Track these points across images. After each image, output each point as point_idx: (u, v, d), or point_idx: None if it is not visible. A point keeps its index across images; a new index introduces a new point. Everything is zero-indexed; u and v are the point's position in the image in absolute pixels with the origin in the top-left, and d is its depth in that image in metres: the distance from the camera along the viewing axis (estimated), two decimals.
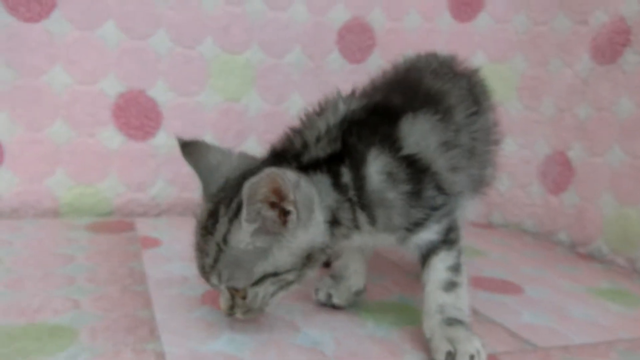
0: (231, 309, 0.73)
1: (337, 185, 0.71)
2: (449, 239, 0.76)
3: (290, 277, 0.71)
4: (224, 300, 0.74)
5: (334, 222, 0.72)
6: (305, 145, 0.73)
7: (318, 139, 0.73)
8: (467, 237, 1.30)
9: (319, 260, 0.73)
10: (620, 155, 1.26)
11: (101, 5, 1.28)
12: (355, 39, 1.49)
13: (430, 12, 1.55)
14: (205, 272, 0.72)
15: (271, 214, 0.67)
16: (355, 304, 0.88)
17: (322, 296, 0.86)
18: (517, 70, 1.55)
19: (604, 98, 1.31)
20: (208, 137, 1.39)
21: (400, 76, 0.89)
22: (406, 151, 0.73)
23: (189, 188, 1.39)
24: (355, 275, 0.87)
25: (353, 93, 0.80)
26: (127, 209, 1.36)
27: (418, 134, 0.74)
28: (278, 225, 0.68)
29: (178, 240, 1.18)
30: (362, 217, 0.73)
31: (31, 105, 1.28)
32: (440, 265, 0.75)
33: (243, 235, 0.68)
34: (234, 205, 0.69)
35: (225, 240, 0.69)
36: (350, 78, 1.41)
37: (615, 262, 1.26)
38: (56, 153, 1.31)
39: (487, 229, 1.51)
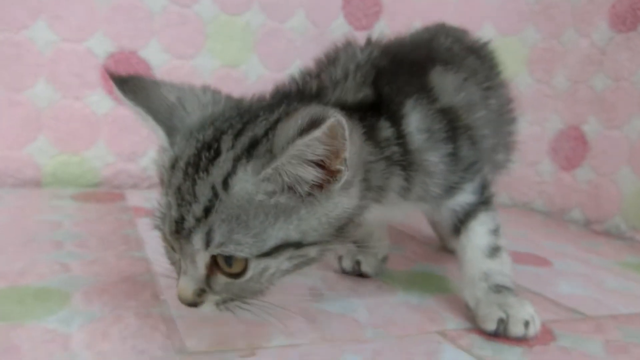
0: (199, 295, 0.51)
1: (373, 139, 0.58)
2: (485, 199, 0.69)
3: (312, 252, 0.52)
4: (188, 281, 0.50)
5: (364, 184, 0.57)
6: (323, 89, 0.61)
7: (337, 83, 0.61)
8: None
9: (349, 232, 0.55)
10: None
11: None
12: (362, 4, 1.41)
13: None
14: (183, 228, 0.49)
15: (314, 175, 0.49)
16: (380, 273, 0.79)
17: (347, 264, 0.78)
18: (528, 42, 1.48)
19: (623, 67, 1.25)
20: None
21: (414, 40, 0.80)
22: (442, 103, 0.65)
23: None
24: (379, 241, 0.79)
25: (369, 42, 0.71)
26: (117, 180, 1.25)
27: (450, 86, 0.67)
28: (316, 188, 0.50)
29: None
30: (396, 182, 0.61)
31: (11, 62, 1.16)
32: (480, 229, 0.67)
33: (254, 185, 0.48)
34: (245, 138, 0.50)
35: (225, 183, 0.48)
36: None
37: (635, 238, 1.20)
38: (38, 117, 1.19)
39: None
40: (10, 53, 1.16)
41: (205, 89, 0.59)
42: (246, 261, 0.49)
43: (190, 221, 0.48)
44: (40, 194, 1.14)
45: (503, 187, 1.49)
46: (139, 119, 0.56)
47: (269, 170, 0.47)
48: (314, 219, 0.50)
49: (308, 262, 0.53)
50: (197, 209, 0.48)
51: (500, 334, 0.61)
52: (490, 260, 0.66)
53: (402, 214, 0.71)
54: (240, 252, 0.48)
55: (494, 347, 0.59)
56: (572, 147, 1.38)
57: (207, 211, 0.48)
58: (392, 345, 0.57)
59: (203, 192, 0.48)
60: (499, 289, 0.64)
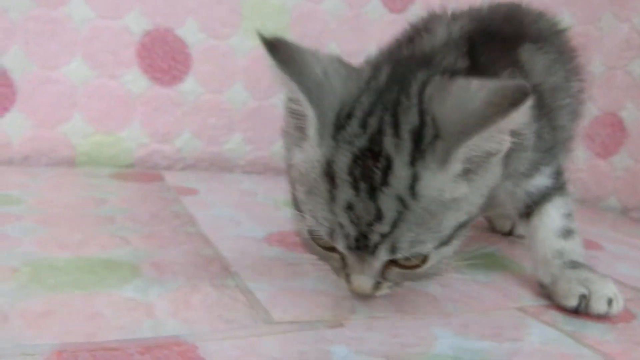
0: (375, 287, 0.52)
1: None
2: (560, 183, 0.68)
3: (469, 224, 0.51)
4: (365, 279, 0.50)
5: None
6: (430, 55, 0.58)
7: (439, 52, 0.59)
8: None
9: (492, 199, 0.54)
10: None
11: None
12: None
13: None
14: (367, 245, 0.48)
15: (499, 145, 0.46)
16: None
17: None
18: None
19: None
20: (238, 86, 1.27)
21: (499, 15, 0.78)
22: (532, 80, 0.63)
23: (216, 141, 1.27)
24: None
25: (456, 14, 0.69)
26: (151, 161, 1.23)
27: (540, 64, 0.65)
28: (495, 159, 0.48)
29: (215, 190, 1.06)
30: None
31: (47, 39, 1.14)
32: (554, 212, 0.66)
33: (442, 180, 0.46)
34: (405, 133, 0.47)
35: (412, 191, 0.46)
36: (390, 28, 1.30)
37: None
38: (73, 95, 1.17)
39: None
40: (45, 29, 1.13)
41: (337, 59, 0.53)
42: (426, 255, 0.49)
43: (375, 238, 0.47)
44: (76, 173, 1.12)
45: None
46: (283, 90, 0.50)
47: (457, 156, 0.46)
48: (478, 196, 0.50)
49: (464, 236, 0.52)
50: (385, 225, 0.46)
51: (581, 311, 0.60)
52: (564, 240, 0.65)
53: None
54: (425, 249, 0.48)
55: (577, 323, 0.58)
56: (608, 134, 1.36)
57: (395, 225, 0.47)
58: (477, 319, 0.56)
59: (389, 207, 0.46)
60: (575, 264, 0.63)
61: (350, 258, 0.50)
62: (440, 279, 0.66)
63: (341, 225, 0.48)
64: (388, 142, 0.47)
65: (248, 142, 1.30)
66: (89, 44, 1.16)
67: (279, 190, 1.09)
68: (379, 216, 0.46)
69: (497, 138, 0.46)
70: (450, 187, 0.47)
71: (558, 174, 0.68)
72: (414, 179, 0.46)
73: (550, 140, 0.65)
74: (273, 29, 1.35)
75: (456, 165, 0.47)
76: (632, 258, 0.88)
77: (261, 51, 1.36)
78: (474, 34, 0.63)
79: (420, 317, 0.55)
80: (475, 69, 0.58)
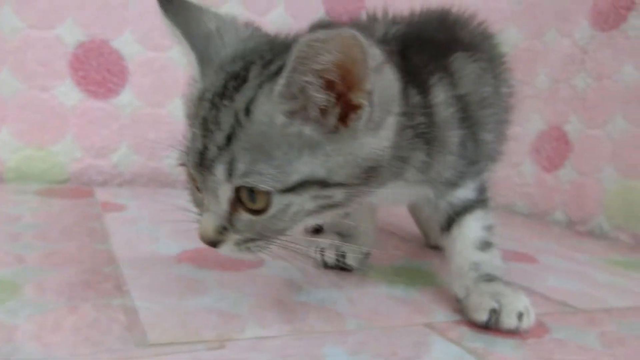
0: (221, 233, 0.49)
1: (404, 102, 0.54)
2: (483, 198, 0.67)
3: (338, 195, 0.49)
4: (211, 218, 0.49)
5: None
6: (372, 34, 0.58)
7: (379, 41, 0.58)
8: None
9: (381, 179, 0.52)
10: (623, 125, 1.20)
11: None
12: (344, 1, 1.38)
13: None
14: (206, 158, 0.47)
15: (321, 98, 0.46)
16: (363, 267, 0.75)
17: (330, 257, 0.73)
18: (509, 42, 1.47)
19: (605, 66, 1.25)
20: (179, 100, 1.24)
21: (431, 21, 0.77)
22: (460, 90, 0.62)
23: (156, 156, 1.24)
24: (365, 235, 0.75)
25: (395, 20, 0.69)
26: (85, 176, 1.19)
27: (470, 75, 0.64)
28: (341, 123, 0.47)
29: (146, 206, 1.02)
30: (418, 156, 0.57)
31: None
32: (475, 224, 0.65)
33: (272, 105, 0.47)
34: (273, 67, 0.49)
35: (247, 109, 0.47)
36: None
37: (619, 239, 1.18)
38: (1, 108, 1.12)
39: None
40: None
41: (248, 24, 0.57)
42: (269, 196, 0.47)
43: (212, 150, 0.47)
44: (1, 189, 1.07)
45: None
46: (175, 42, 0.55)
47: (281, 81, 0.46)
48: (340, 157, 0.48)
49: (333, 206, 0.50)
50: (220, 136, 0.47)
51: (491, 326, 0.57)
52: (481, 252, 0.64)
53: (409, 196, 0.68)
54: (263, 184, 0.46)
55: (485, 339, 0.56)
56: (554, 148, 1.36)
57: (229, 139, 0.47)
58: (376, 337, 0.53)
59: (226, 119, 0.47)
60: (490, 277, 0.61)
61: (200, 183, 0.50)
62: (353, 295, 0.63)
63: (194, 139, 0.49)
64: (254, 69, 0.50)
65: None
66: (19, 55, 1.13)
67: None
68: (218, 127, 0.47)
69: (310, 75, 0.45)
70: (282, 120, 0.47)
71: (482, 189, 0.67)
72: (252, 99, 0.47)
73: (475, 152, 0.64)
74: None
75: (282, 95, 0.47)
76: (563, 270, 0.87)
77: None
78: (409, 37, 0.63)
79: (316, 336, 0.52)
80: (405, 67, 0.57)
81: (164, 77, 1.22)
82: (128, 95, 1.20)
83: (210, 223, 0.49)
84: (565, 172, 1.33)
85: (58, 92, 1.16)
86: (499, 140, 0.76)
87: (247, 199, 0.48)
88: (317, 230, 0.94)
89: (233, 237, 0.50)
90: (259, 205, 0.48)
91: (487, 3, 1.44)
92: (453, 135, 0.60)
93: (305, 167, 0.47)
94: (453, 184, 0.64)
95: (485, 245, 0.64)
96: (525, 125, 1.43)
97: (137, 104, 1.21)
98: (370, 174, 0.50)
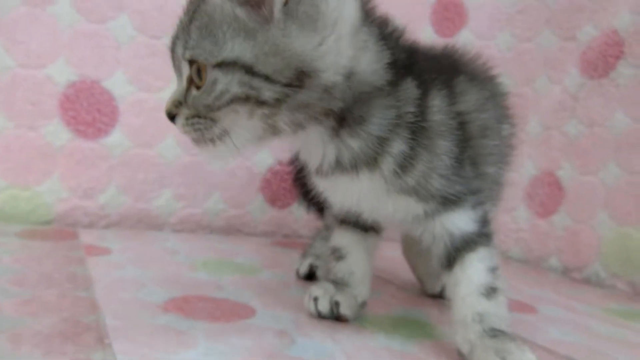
0: (176, 107, 0.56)
1: (392, 85, 0.58)
2: (485, 232, 0.64)
3: (266, 91, 0.52)
4: (173, 94, 0.57)
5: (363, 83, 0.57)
6: None
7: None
8: None
9: (312, 90, 0.54)
10: (616, 172, 1.20)
11: None
12: None
13: (412, 25, 1.48)
14: (176, 38, 0.57)
15: None
16: (359, 317, 0.72)
17: (324, 306, 0.70)
18: None
19: (597, 113, 1.26)
20: (170, 141, 1.22)
21: (437, 53, 0.77)
22: (460, 107, 0.62)
23: (144, 197, 1.21)
24: (361, 283, 0.72)
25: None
26: (71, 217, 1.15)
27: (473, 98, 0.64)
28: (265, 11, 0.52)
29: (132, 249, 0.98)
30: (397, 144, 0.58)
31: None
32: (479, 265, 0.61)
33: None
34: None
35: None
36: None
37: (616, 286, 1.16)
38: None
39: None
40: None
41: None
42: (204, 68, 0.53)
43: (179, 31, 0.56)
44: None
45: None
46: None
47: None
48: (266, 46, 0.52)
49: (260, 104, 0.53)
50: (185, 20, 0.56)
51: None
52: (487, 300, 0.60)
53: (394, 207, 0.63)
54: (200, 56, 0.53)
55: None
56: (547, 194, 1.36)
57: (190, 20, 0.55)
58: None
59: (190, 6, 0.56)
60: (495, 332, 0.58)
61: (173, 66, 0.58)
62: (348, 347, 0.60)
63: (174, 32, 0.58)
64: None
65: (179, 198, 1.24)
66: (7, 93, 1.11)
67: (203, 250, 1.03)
68: (185, 13, 0.56)
69: None
70: (226, 3, 0.53)
71: (484, 222, 0.64)
72: None
73: (474, 177, 0.63)
74: None
75: None
76: (565, 321, 0.84)
77: None
78: (418, 49, 0.65)
79: None
80: (411, 66, 0.60)
81: (154, 117, 1.21)
82: (118, 136, 1.18)
83: (172, 97, 0.57)
84: (559, 218, 1.31)
85: (46, 131, 1.13)
86: (500, 178, 0.75)
87: (195, 75, 0.54)
88: (310, 277, 0.91)
89: (184, 111, 0.56)
90: (202, 82, 0.54)
91: (477, 50, 1.47)
92: (444, 145, 0.60)
93: (236, 47, 0.52)
94: (447, 201, 0.61)
95: (491, 292, 0.61)
96: (518, 170, 1.43)
97: (127, 144, 1.19)
98: (302, 79, 0.53)
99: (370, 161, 0.59)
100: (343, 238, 0.74)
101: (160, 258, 0.94)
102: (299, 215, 1.32)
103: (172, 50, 0.57)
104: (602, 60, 1.25)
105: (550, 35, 1.40)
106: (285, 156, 1.30)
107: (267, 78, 0.52)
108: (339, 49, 0.54)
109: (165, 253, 0.98)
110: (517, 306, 0.90)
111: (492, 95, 0.72)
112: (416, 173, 0.59)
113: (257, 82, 0.52)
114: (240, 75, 0.52)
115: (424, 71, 0.61)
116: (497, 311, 0.60)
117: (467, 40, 1.49)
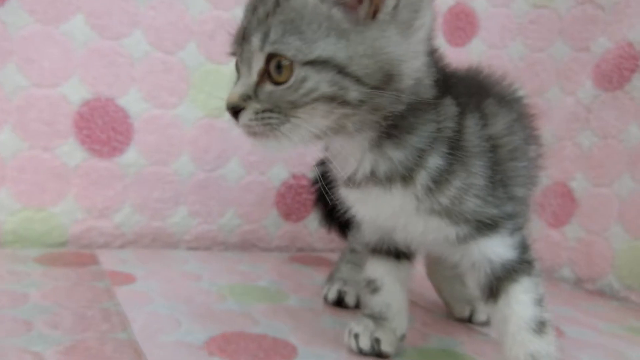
0: (244, 101, 0.55)
1: (438, 99, 0.59)
2: (527, 259, 0.63)
3: (353, 92, 0.53)
4: (240, 86, 0.55)
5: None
6: None
7: None
8: None
9: (391, 93, 0.54)
10: (630, 184, 1.20)
11: None
12: None
13: None
14: (247, 31, 0.55)
15: None
16: (399, 352, 0.71)
17: (365, 343, 0.69)
18: None
19: (611, 125, 1.26)
20: (185, 158, 1.20)
21: (464, 75, 0.77)
22: (491, 130, 0.62)
23: (160, 215, 1.19)
24: (398, 315, 0.72)
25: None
26: (86, 238, 1.13)
27: (502, 120, 0.65)
28: (362, 12, 0.53)
29: (155, 274, 0.97)
30: (434, 159, 0.58)
31: None
32: (525, 298, 0.61)
33: None
34: None
35: None
36: None
37: (629, 299, 1.18)
38: (1, 168, 1.07)
39: None
40: None
41: None
42: (292, 68, 0.52)
43: (253, 24, 0.55)
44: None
45: None
46: None
47: None
48: (361, 47, 0.52)
49: (344, 103, 0.53)
50: (261, 12, 0.54)
51: None
52: (538, 337, 0.60)
53: (421, 226, 0.63)
54: (286, 51, 0.52)
55: None
56: (559, 204, 1.36)
57: (268, 15, 0.53)
58: None
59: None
60: None
61: (239, 57, 0.57)
62: None
63: (241, 23, 0.57)
64: None
65: (194, 215, 1.23)
66: (21, 113, 1.08)
67: (225, 273, 1.02)
68: (262, 3, 0.55)
69: None
70: (315, 1, 0.53)
71: (524, 248, 0.63)
72: None
73: (508, 204, 0.62)
74: (223, 98, 1.30)
75: None
76: (594, 345, 0.85)
77: (209, 121, 1.31)
78: (452, 74, 0.65)
79: None
80: (451, 93, 0.61)
81: (169, 134, 1.19)
82: (133, 154, 1.16)
83: (238, 90, 0.55)
84: (571, 229, 1.32)
85: (61, 151, 1.11)
86: (528, 199, 0.75)
87: (274, 70, 0.53)
88: (339, 302, 0.90)
89: (253, 105, 0.54)
90: (283, 77, 0.53)
91: (489, 59, 1.46)
92: (479, 165, 0.60)
93: (329, 47, 0.52)
94: (482, 226, 0.61)
95: (541, 326, 0.61)
96: None
97: (142, 163, 1.17)
98: (388, 82, 0.53)
99: (406, 175, 0.59)
100: (376, 269, 0.73)
101: (186, 286, 0.93)
102: (313, 229, 1.31)
103: (243, 41, 0.55)
104: (617, 73, 1.26)
105: (563, 46, 1.40)
106: (299, 169, 1.29)
107: (358, 79, 0.53)
108: (418, 54, 0.57)
109: (188, 279, 0.97)
110: None
111: (520, 117, 0.72)
112: (451, 190, 0.59)
113: (347, 83, 0.52)
114: (331, 74, 0.52)
115: (459, 92, 0.62)
116: (548, 350, 0.60)
117: (478, 49, 1.48)
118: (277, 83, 0.53)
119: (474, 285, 0.65)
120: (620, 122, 1.24)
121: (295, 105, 0.53)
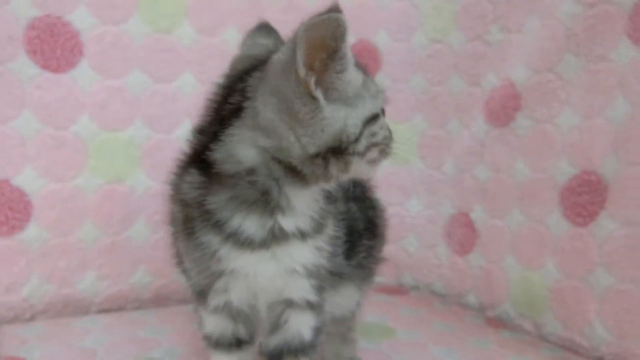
0: None
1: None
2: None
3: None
4: None
5: None
6: None
7: None
8: (378, 309, 1.27)
9: (333, 172, 0.67)
10: (520, 218, 1.26)
11: None
12: None
13: None
14: None
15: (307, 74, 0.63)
16: None
17: None
18: (418, 130, 1.52)
19: (501, 160, 1.32)
20: (89, 225, 1.24)
21: None
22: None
23: (68, 282, 1.24)
24: None
25: None
26: None
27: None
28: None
29: (48, 357, 1.01)
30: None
31: None
32: None
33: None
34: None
35: None
36: None
37: (523, 327, 1.25)
38: None
39: (397, 295, 1.46)
40: None
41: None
42: None
43: None
44: None
45: (406, 269, 1.52)
46: None
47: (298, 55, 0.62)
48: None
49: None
50: None
51: None
52: None
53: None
54: None
55: None
56: (463, 233, 1.42)
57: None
58: None
59: None
60: None
61: None
62: None
63: None
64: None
65: (104, 278, 1.27)
66: None
67: (123, 344, 1.06)
68: None
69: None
70: None
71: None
72: None
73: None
74: (122, 164, 1.32)
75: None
76: None
77: (110, 187, 1.32)
78: None
79: None
80: None
81: (70, 206, 1.22)
82: (34, 229, 1.20)
83: None
84: (474, 257, 1.39)
85: None
86: None
87: None
88: None
89: None
90: None
91: (394, 93, 1.50)
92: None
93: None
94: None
95: None
96: (438, 209, 1.49)
97: (44, 236, 1.21)
98: (327, 158, 0.67)
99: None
100: None
101: None
102: None
103: None
104: (503, 111, 1.31)
105: (458, 81, 1.44)
106: None
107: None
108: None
109: (83, 357, 1.02)
110: None
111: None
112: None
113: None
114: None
115: None
116: None
117: (383, 83, 1.52)
118: None
119: None
120: (508, 158, 1.30)
121: None
